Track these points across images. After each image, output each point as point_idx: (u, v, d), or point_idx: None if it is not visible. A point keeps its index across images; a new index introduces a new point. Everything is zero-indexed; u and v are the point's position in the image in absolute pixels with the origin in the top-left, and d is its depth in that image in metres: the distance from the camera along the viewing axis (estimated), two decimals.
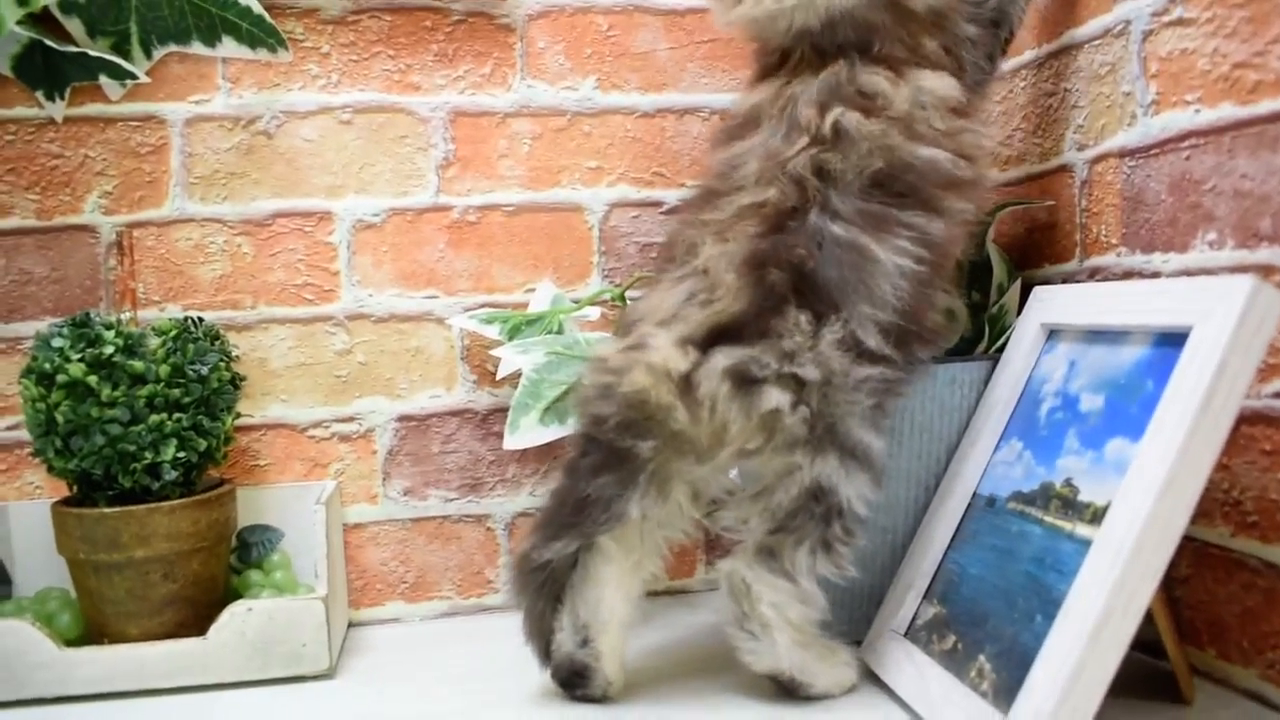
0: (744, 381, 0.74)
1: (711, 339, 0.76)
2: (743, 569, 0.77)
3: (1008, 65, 1.00)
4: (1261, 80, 0.71)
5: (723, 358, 0.75)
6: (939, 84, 0.80)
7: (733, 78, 1.08)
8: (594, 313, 1.01)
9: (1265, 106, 0.71)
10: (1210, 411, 0.61)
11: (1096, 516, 0.65)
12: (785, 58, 0.84)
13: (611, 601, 0.78)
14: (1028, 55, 0.97)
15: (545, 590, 0.79)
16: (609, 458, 0.77)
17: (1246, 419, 0.73)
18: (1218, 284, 0.64)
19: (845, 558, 0.77)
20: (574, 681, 0.79)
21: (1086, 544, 0.65)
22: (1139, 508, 0.61)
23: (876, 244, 0.76)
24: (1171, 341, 0.67)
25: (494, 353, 0.95)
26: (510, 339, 0.94)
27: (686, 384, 0.75)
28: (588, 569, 0.78)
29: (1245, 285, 0.62)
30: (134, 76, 0.93)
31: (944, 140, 0.79)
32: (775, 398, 0.74)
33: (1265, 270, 0.71)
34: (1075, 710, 0.60)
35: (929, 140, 0.78)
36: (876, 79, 0.79)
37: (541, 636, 0.80)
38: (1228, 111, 0.74)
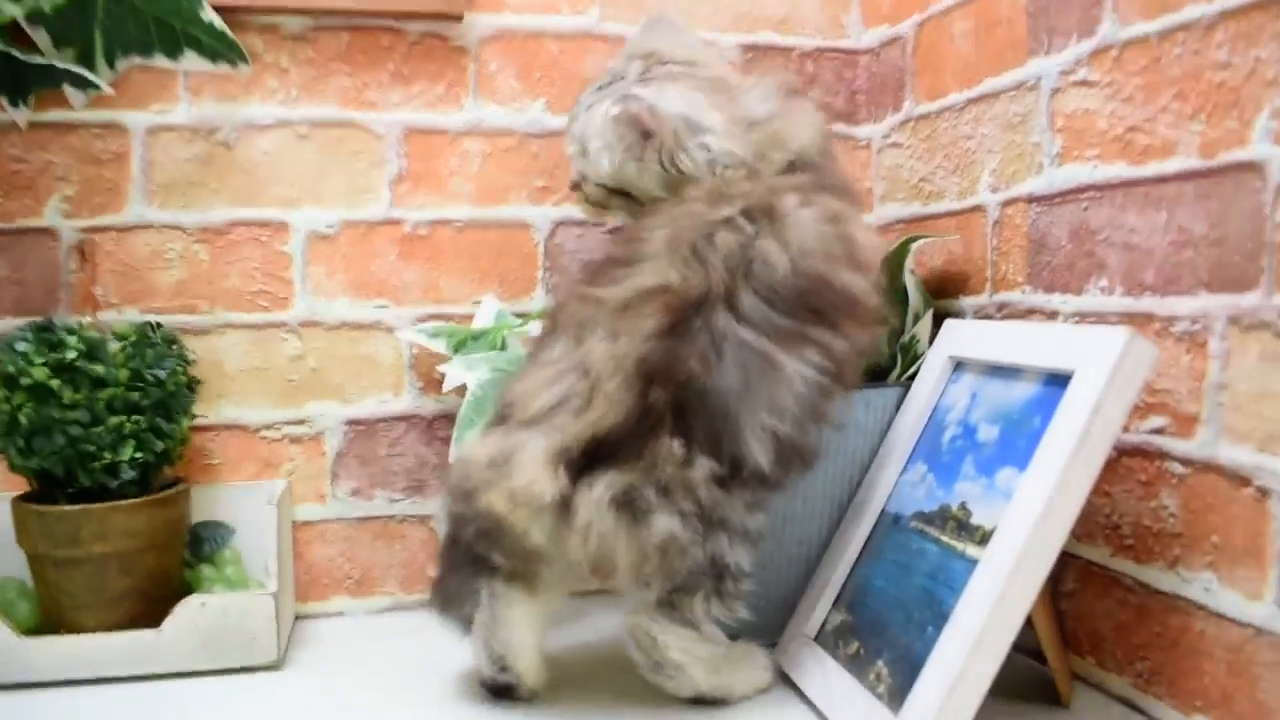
0: (631, 512, 0.75)
1: (585, 457, 0.75)
2: (646, 623, 0.80)
3: (934, 106, 1.06)
4: (1150, 144, 0.78)
5: (603, 487, 0.75)
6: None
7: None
8: (536, 329, 1.06)
9: (1153, 169, 0.78)
10: (1085, 450, 0.68)
11: (984, 539, 0.72)
12: (753, 175, 0.86)
13: (521, 636, 0.82)
14: (951, 98, 1.03)
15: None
16: (467, 556, 0.81)
17: (1127, 452, 0.81)
18: (1099, 333, 0.71)
19: (737, 605, 0.81)
20: (500, 694, 0.84)
21: (974, 563, 0.72)
22: (1019, 534, 0.69)
23: (783, 354, 0.78)
24: (1058, 382, 0.74)
25: (440, 368, 1.00)
26: (456, 352, 0.99)
27: (560, 509, 0.74)
28: (495, 613, 0.82)
29: (1122, 337, 0.69)
30: (97, 87, 0.96)
31: (874, 270, 0.84)
32: (665, 524, 0.75)
33: (1147, 317, 0.78)
34: (957, 711, 0.67)
35: (864, 268, 0.82)
36: (837, 203, 0.84)
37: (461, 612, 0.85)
38: (1121, 170, 0.81)
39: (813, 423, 0.80)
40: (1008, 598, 0.68)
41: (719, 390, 0.76)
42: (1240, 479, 0.70)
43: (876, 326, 0.84)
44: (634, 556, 0.77)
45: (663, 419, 0.76)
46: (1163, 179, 0.77)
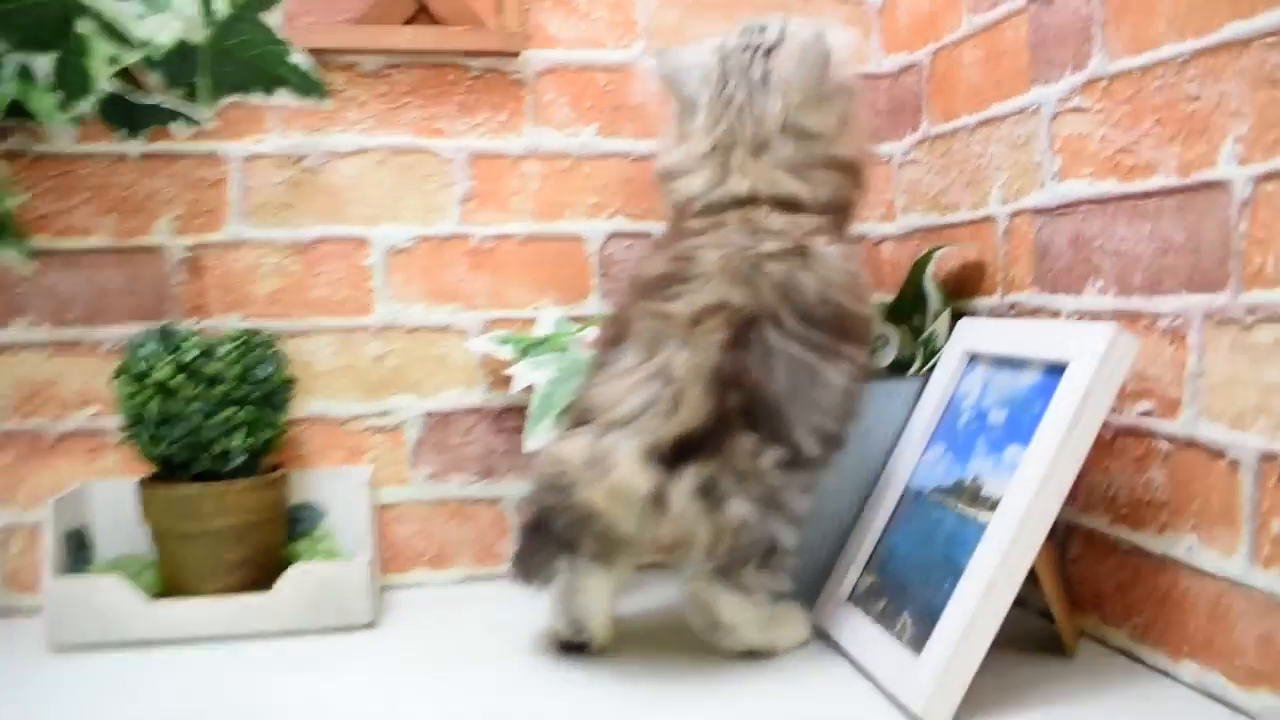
0: (712, 499, 0.87)
1: (675, 454, 0.86)
2: (704, 588, 0.92)
3: (948, 126, 1.18)
4: (1136, 164, 0.89)
5: (690, 478, 0.86)
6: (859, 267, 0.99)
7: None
8: (593, 334, 1.19)
9: (1138, 185, 0.89)
10: (1078, 428, 0.80)
11: (993, 506, 0.84)
12: (743, 206, 0.97)
13: (597, 602, 0.95)
14: (963, 120, 1.15)
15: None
16: (552, 539, 0.91)
17: (1121, 432, 0.92)
18: (1090, 329, 0.83)
19: (784, 575, 0.93)
20: (574, 651, 0.96)
21: (984, 527, 0.83)
22: (1021, 500, 0.80)
23: (826, 364, 0.91)
24: (1057, 371, 0.85)
25: (509, 370, 1.12)
26: (522, 357, 1.12)
27: (653, 500, 0.85)
28: (575, 584, 0.94)
29: (1108, 332, 0.81)
30: (201, 123, 1.08)
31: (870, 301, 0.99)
32: (739, 508, 0.87)
33: (1136, 315, 0.90)
34: (970, 651, 0.79)
35: (865, 299, 0.97)
36: (836, 246, 0.96)
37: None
38: (1112, 186, 0.92)
39: (848, 418, 0.94)
40: (1012, 554, 0.79)
41: (774, 393, 0.89)
42: (1216, 453, 0.82)
43: (872, 344, 1.02)
44: (711, 537, 0.89)
45: (737, 418, 0.88)
46: (1147, 195, 0.88)
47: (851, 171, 1.00)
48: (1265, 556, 0.77)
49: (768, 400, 0.89)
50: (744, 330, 0.89)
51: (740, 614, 0.93)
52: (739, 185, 0.96)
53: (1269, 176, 0.76)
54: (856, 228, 1.06)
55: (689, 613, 0.95)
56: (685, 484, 0.86)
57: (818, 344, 0.91)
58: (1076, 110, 0.96)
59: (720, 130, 0.98)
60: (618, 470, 0.85)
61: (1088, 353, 0.81)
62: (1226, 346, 0.80)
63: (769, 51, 0.98)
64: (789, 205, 0.96)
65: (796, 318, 0.90)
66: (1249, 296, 0.78)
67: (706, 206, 0.98)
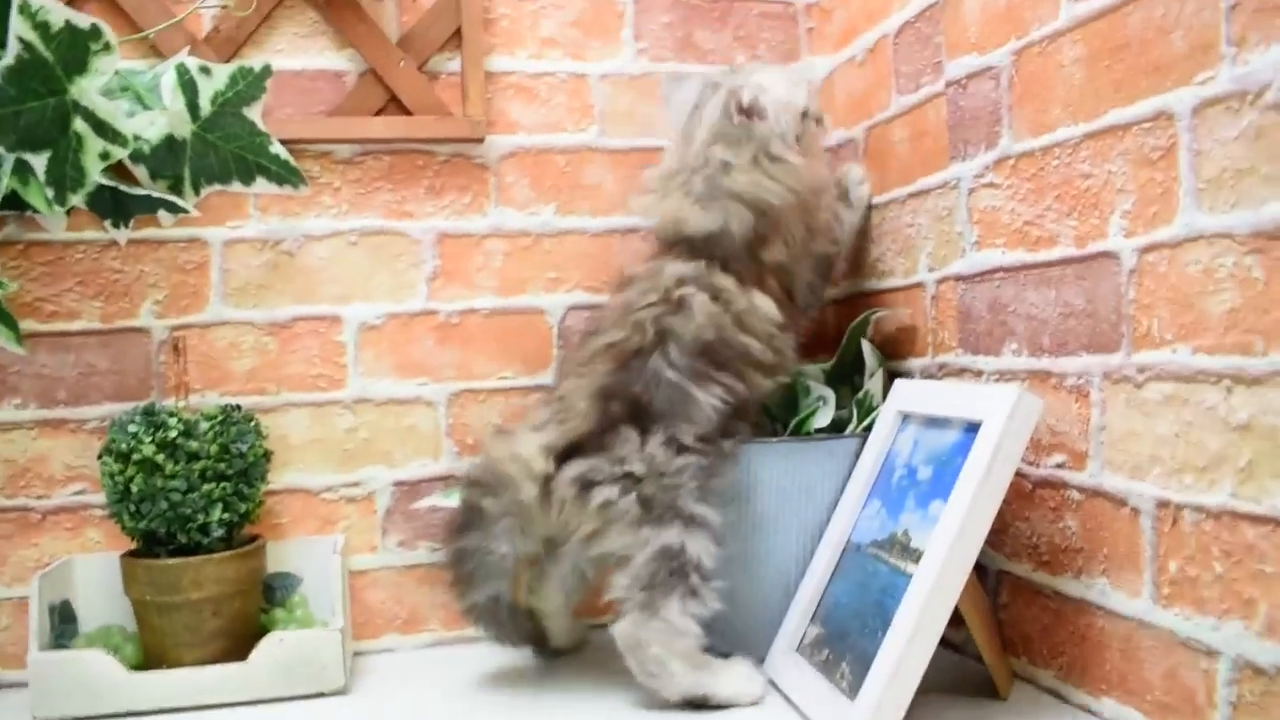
0: (585, 485, 1.03)
1: (565, 452, 1.04)
2: (629, 628, 1.00)
3: (883, 198, 1.26)
4: (1041, 236, 0.97)
5: (572, 469, 1.04)
6: (764, 305, 1.10)
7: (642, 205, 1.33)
8: None
9: (1043, 255, 0.97)
10: (989, 482, 0.87)
11: (918, 558, 0.90)
12: (670, 247, 1.14)
13: (553, 596, 1.15)
14: (894, 192, 1.23)
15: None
16: (470, 515, 1.09)
17: (1040, 484, 0.99)
18: (998, 391, 0.90)
19: (708, 599, 1.00)
20: (535, 644, 1.17)
21: (910, 578, 0.90)
22: (940, 552, 0.87)
23: (697, 389, 1.05)
24: (974, 429, 0.92)
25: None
26: None
27: (544, 483, 1.04)
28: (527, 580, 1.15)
29: (1013, 394, 0.88)
30: (186, 211, 1.15)
31: (761, 336, 1.09)
32: (605, 492, 1.02)
33: (1046, 374, 0.97)
34: (897, 694, 0.85)
35: (750, 333, 1.09)
36: (727, 282, 1.09)
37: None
38: (1021, 256, 1.00)
39: (723, 434, 1.07)
40: (933, 602, 0.86)
41: (653, 404, 1.05)
42: (1119, 501, 0.89)
43: (776, 374, 1.12)
44: (581, 516, 1.03)
45: (622, 419, 1.04)
46: (1050, 264, 0.96)
47: (757, 210, 1.10)
48: (1165, 596, 0.84)
49: (648, 408, 1.04)
50: (627, 360, 1.07)
51: (666, 647, 0.98)
52: (659, 216, 1.15)
53: (1150, 248, 0.84)
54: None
55: (625, 657, 1.01)
56: (567, 473, 1.03)
57: (696, 371, 1.06)
58: (990, 186, 1.04)
59: (676, 159, 1.16)
60: (522, 448, 1.06)
61: (996, 413, 0.88)
62: (1123, 403, 0.88)
63: (717, 89, 1.14)
64: (688, 247, 1.11)
65: (677, 351, 1.06)
66: (1139, 357, 0.85)
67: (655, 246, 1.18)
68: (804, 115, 1.15)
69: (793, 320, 1.14)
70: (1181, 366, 0.81)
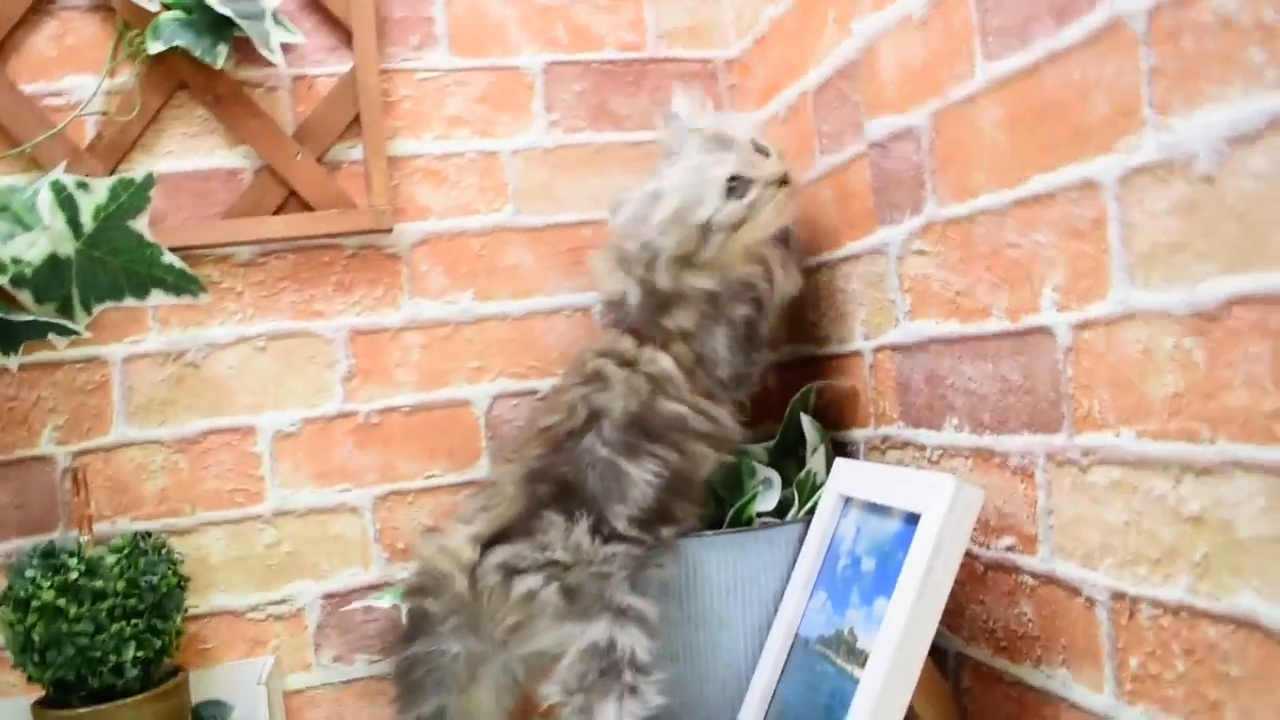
0: (508, 573, 0.98)
1: (492, 538, 1.00)
2: None
3: (813, 260, 1.21)
4: (974, 307, 0.92)
5: (497, 555, 0.99)
6: (668, 365, 1.06)
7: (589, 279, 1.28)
8: None
9: (976, 328, 0.92)
10: (930, 581, 0.82)
11: (864, 662, 0.85)
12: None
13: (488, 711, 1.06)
14: (825, 256, 1.18)
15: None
16: (415, 621, 1.04)
17: (990, 566, 0.94)
18: (936, 481, 0.85)
19: (648, 695, 0.95)
20: None
21: (857, 684, 0.84)
22: (885, 657, 0.81)
23: (628, 463, 1.01)
24: (913, 521, 0.87)
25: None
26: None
27: (471, 573, 0.99)
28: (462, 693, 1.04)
29: (950, 486, 0.83)
30: (77, 333, 1.08)
31: (688, 403, 1.05)
32: (529, 581, 0.97)
33: (989, 452, 0.92)
34: None
35: (677, 400, 1.05)
36: (627, 344, 1.07)
37: None
38: (955, 327, 0.95)
39: (662, 515, 1.02)
40: (880, 710, 0.80)
41: (587, 486, 1.01)
42: (1073, 589, 0.84)
43: (719, 445, 1.08)
44: (507, 606, 0.98)
45: (547, 503, 1.00)
46: (984, 337, 0.91)
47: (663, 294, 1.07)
48: (1129, 693, 0.79)
49: (577, 490, 1.01)
50: (559, 443, 1.04)
51: None
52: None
53: (1085, 325, 0.79)
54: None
55: None
56: (492, 559, 0.99)
57: (627, 445, 1.02)
58: (919, 253, 1.00)
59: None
60: (450, 540, 1.02)
61: (934, 508, 0.83)
62: (1069, 486, 0.83)
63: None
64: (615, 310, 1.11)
65: (610, 427, 1.03)
66: (1082, 439, 0.81)
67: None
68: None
69: (726, 386, 1.09)
70: (1127, 452, 0.76)
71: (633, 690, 0.94)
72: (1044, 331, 0.84)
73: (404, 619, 1.07)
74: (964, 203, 0.92)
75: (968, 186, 0.92)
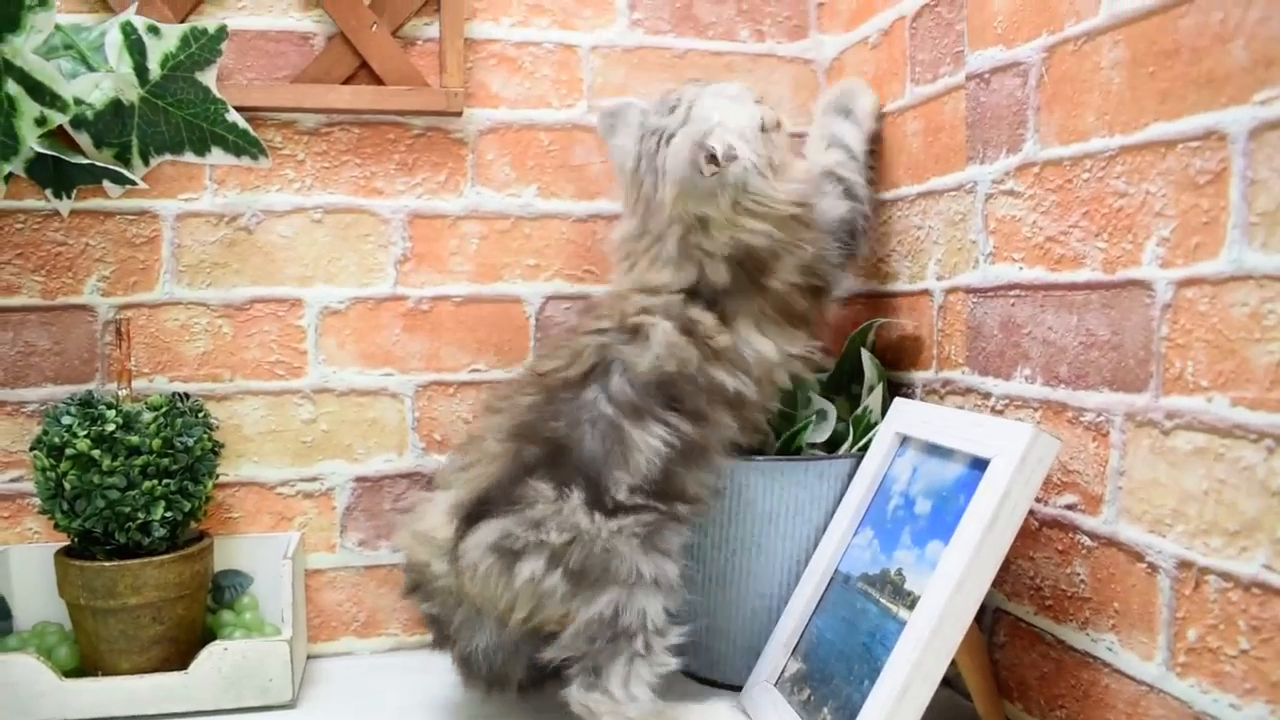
0: (505, 554, 0.89)
1: (472, 508, 0.91)
2: (580, 694, 0.90)
3: (890, 195, 1.17)
4: (1064, 255, 0.89)
5: (484, 532, 0.90)
6: (765, 347, 1.00)
7: None
8: None
9: (1065, 277, 0.88)
10: (994, 530, 0.79)
11: (913, 604, 0.83)
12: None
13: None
14: (904, 190, 1.14)
15: None
16: (435, 627, 0.99)
17: (1047, 523, 0.91)
18: (1011, 428, 0.82)
19: (660, 658, 0.91)
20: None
21: (904, 625, 0.82)
22: (937, 604, 0.79)
23: (633, 428, 0.93)
24: (980, 466, 0.84)
25: None
26: None
27: (452, 555, 0.91)
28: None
29: (1027, 433, 0.80)
30: (134, 183, 1.06)
31: (751, 373, 0.98)
32: (530, 566, 0.89)
33: (1062, 406, 0.89)
34: None
35: (732, 369, 0.97)
36: (706, 318, 0.98)
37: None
38: (1041, 274, 0.92)
39: (669, 484, 0.94)
40: (927, 658, 0.78)
41: (583, 447, 0.92)
42: (1135, 555, 0.81)
43: (755, 413, 1.01)
44: (509, 598, 0.90)
45: (533, 469, 0.91)
46: (1074, 286, 0.87)
47: (740, 257, 1.00)
48: (1181, 665, 0.76)
49: (575, 453, 0.92)
50: (555, 393, 0.95)
51: (617, 711, 0.90)
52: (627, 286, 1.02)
53: (1189, 282, 0.75)
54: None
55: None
56: (477, 537, 0.90)
57: (637, 408, 0.94)
58: (1010, 194, 0.96)
59: (637, 220, 1.03)
60: (424, 521, 0.95)
61: (1007, 453, 0.80)
62: (1147, 449, 0.80)
63: (670, 138, 1.01)
64: (651, 290, 1.00)
65: (623, 383, 0.94)
66: (1169, 401, 0.77)
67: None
68: (763, 130, 1.02)
69: (810, 332, 1.05)
70: (1217, 418, 0.73)
71: (644, 653, 0.90)
72: (1142, 286, 0.80)
73: (429, 626, 1.01)
74: (1068, 145, 0.88)
75: (1075, 128, 0.87)
